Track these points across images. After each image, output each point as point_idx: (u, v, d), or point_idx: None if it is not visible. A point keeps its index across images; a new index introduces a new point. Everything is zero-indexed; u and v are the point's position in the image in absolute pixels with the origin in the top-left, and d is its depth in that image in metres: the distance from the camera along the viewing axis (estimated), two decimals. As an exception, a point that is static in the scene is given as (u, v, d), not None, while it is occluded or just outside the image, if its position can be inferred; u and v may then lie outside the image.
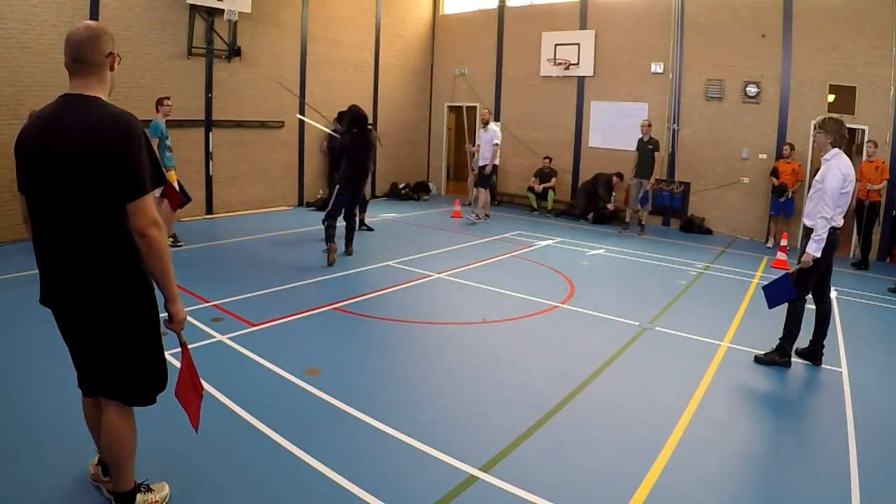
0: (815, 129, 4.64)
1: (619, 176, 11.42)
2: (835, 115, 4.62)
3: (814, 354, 4.78)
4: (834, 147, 4.48)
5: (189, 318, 4.97)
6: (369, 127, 7.46)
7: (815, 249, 4.42)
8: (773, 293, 4.74)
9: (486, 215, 10.99)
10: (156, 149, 7.54)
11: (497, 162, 10.73)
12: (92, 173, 2.05)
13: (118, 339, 2.26)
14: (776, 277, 4.81)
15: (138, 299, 2.27)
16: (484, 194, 10.85)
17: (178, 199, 7.67)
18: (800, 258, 4.56)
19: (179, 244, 7.81)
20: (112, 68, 2.24)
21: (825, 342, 4.79)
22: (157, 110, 7.71)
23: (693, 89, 10.87)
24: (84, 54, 2.14)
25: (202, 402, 2.63)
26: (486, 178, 10.76)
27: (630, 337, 5.18)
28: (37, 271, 2.27)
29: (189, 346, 2.54)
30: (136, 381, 2.34)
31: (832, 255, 4.58)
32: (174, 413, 3.51)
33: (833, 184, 4.35)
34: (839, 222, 4.48)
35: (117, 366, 2.28)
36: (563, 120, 12.49)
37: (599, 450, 3.34)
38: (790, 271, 4.71)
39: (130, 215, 2.09)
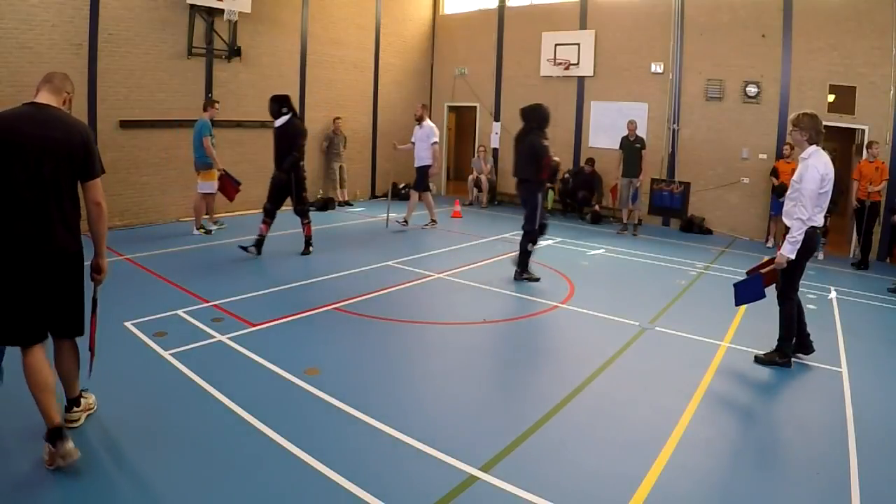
0: (790, 126, 4.52)
1: (590, 162, 11.66)
2: (809, 111, 4.48)
3: (803, 345, 4.79)
4: (811, 144, 4.38)
5: (189, 318, 5.02)
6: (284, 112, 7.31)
7: (789, 251, 4.38)
8: (743, 291, 4.78)
9: (433, 220, 9.92)
10: (210, 145, 8.23)
11: (433, 162, 9.67)
12: (68, 157, 2.83)
13: (75, 280, 2.97)
14: (748, 278, 4.83)
15: (80, 250, 2.99)
16: (415, 197, 9.75)
17: (234, 191, 8.33)
18: (775, 259, 4.54)
19: (213, 230, 8.77)
20: (65, 102, 3.00)
21: (810, 332, 4.81)
22: (206, 111, 8.52)
23: (693, 89, 10.87)
24: (52, 76, 2.99)
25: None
26: (423, 180, 9.66)
27: (630, 337, 5.17)
28: None
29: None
30: (80, 316, 3.04)
31: (811, 254, 4.58)
32: (172, 415, 3.52)
33: (811, 185, 4.26)
34: (819, 221, 4.42)
35: (73, 304, 2.99)
36: (563, 120, 12.48)
37: (599, 450, 3.34)
38: (762, 272, 4.72)
39: (89, 189, 2.92)
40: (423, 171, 9.65)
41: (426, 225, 9.88)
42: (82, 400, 3.29)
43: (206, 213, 8.80)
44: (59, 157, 2.79)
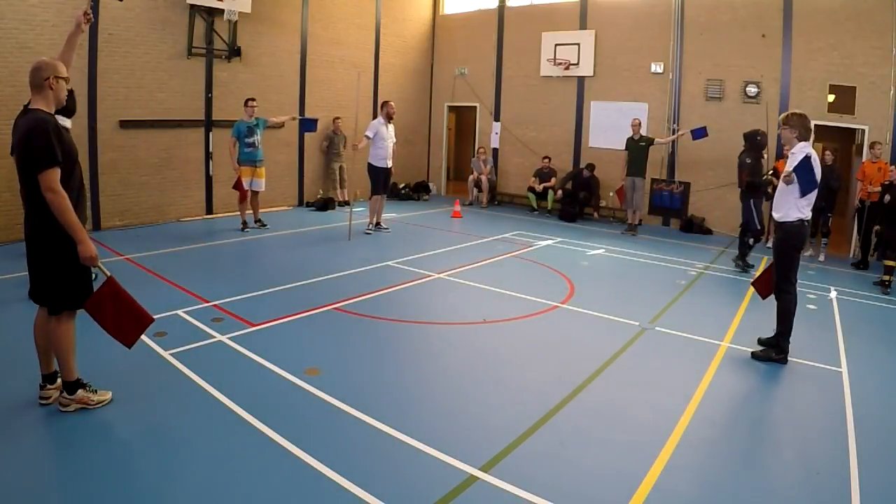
0: (779, 125, 4.76)
1: (590, 168, 11.64)
2: (798, 111, 4.73)
3: (775, 346, 4.82)
4: (800, 141, 4.60)
5: (189, 318, 5.03)
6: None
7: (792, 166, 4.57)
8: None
9: (378, 223, 9.47)
10: (232, 148, 8.49)
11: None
12: (19, 153, 3.17)
13: (38, 258, 3.25)
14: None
15: (52, 232, 3.17)
16: (382, 201, 9.47)
17: (244, 194, 8.69)
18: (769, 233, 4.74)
19: (265, 226, 9.18)
20: (52, 88, 3.23)
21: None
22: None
23: (693, 89, 10.87)
24: (29, 79, 3.24)
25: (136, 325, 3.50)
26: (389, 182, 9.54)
27: (630, 337, 5.17)
28: None
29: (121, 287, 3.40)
30: (52, 293, 3.28)
31: (801, 246, 4.76)
32: (172, 415, 3.52)
33: (800, 157, 4.47)
34: (807, 215, 4.62)
35: (37, 277, 3.28)
36: (563, 120, 12.49)
37: (599, 450, 3.34)
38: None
39: (39, 181, 3.08)
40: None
41: (369, 229, 9.37)
42: (80, 391, 3.46)
43: (250, 209, 9.10)
44: (16, 155, 3.23)
